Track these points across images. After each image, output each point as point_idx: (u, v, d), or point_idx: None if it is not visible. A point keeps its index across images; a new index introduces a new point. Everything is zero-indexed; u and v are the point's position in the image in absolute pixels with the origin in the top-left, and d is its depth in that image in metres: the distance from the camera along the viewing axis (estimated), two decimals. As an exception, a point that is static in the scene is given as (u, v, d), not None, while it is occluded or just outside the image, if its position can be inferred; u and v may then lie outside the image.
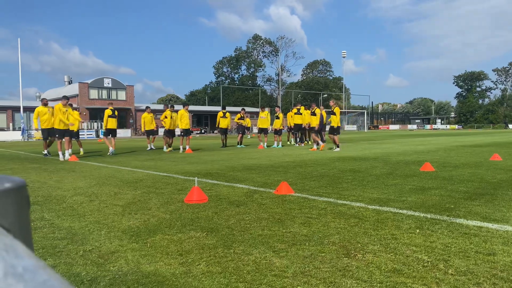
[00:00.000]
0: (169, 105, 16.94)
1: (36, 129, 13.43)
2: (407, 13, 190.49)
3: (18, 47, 35.58)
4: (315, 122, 16.35)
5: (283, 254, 3.12)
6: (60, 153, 12.09)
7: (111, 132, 14.70)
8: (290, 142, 20.55)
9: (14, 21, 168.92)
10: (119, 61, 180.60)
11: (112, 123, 14.70)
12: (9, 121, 42.10)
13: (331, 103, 15.23)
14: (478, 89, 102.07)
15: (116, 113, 14.85)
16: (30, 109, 41.44)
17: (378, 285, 2.51)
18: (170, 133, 16.27)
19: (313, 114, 16.66)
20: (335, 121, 14.62)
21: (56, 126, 12.29)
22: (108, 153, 14.13)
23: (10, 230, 0.37)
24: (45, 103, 13.05)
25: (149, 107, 17.96)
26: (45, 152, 13.57)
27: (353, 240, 3.44)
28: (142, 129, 17.64)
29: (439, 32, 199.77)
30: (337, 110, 14.58)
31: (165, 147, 16.05)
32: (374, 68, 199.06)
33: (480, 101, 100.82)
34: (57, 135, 12.34)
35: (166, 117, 16.28)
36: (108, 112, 14.57)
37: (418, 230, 3.72)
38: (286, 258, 3.03)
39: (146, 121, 17.28)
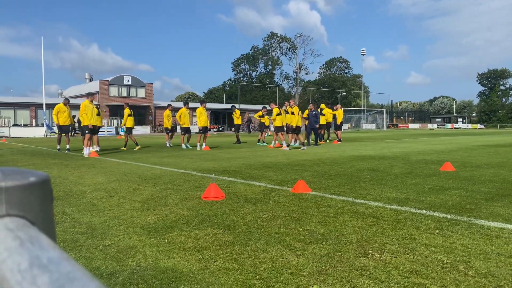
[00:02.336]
0: (184, 103, 17.11)
1: (57, 125, 14.36)
2: (429, 10, 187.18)
3: (40, 44, 36.43)
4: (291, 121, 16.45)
5: (299, 252, 3.11)
6: (86, 148, 12.37)
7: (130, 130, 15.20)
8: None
9: (36, 18, 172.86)
10: (138, 57, 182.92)
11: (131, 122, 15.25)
12: (32, 118, 43.13)
13: (291, 102, 15.38)
14: (502, 87, 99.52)
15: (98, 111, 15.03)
16: (52, 106, 42.23)
17: (395, 286, 2.48)
18: (186, 130, 16.48)
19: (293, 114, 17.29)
20: (294, 120, 14.77)
21: (85, 123, 12.62)
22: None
23: (35, 223, 0.38)
24: (65, 103, 13.84)
25: (171, 105, 18.01)
26: (58, 147, 14.28)
27: (371, 240, 3.41)
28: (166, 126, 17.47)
29: (462, 29, 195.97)
30: (295, 109, 14.82)
31: (183, 145, 16.24)
32: (396, 65, 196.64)
33: (504, 100, 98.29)
34: (86, 131, 12.66)
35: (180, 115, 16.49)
36: (127, 111, 15.04)
37: (437, 231, 3.66)
38: (303, 256, 3.02)
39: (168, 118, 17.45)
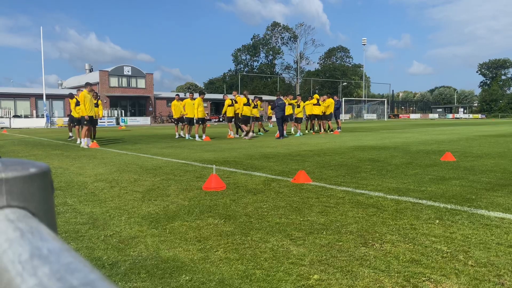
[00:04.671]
0: (188, 93, 16.99)
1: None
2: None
3: (39, 35, 36.29)
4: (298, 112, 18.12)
5: (300, 242, 3.13)
6: (83, 140, 12.36)
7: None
8: (309, 131, 20.51)
9: (33, 8, 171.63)
10: (137, 47, 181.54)
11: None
12: (32, 108, 43.07)
13: (234, 93, 16.80)
14: (503, 77, 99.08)
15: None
16: (52, 97, 42.29)
17: (395, 275, 2.50)
18: (189, 121, 16.36)
19: (298, 106, 18.10)
20: (237, 109, 16.18)
21: (84, 114, 12.58)
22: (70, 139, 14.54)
23: (35, 214, 0.38)
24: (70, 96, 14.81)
25: (178, 95, 17.72)
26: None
27: (371, 230, 3.42)
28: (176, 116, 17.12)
29: (465, 18, 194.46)
30: (242, 100, 15.83)
31: (187, 135, 16.15)
32: (399, 54, 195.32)
33: (505, 89, 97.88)
34: (85, 122, 12.61)
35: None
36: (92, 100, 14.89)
37: (437, 221, 3.67)
38: (303, 246, 3.04)
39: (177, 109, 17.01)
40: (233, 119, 16.75)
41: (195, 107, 15.46)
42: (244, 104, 15.82)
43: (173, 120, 17.35)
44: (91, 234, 3.41)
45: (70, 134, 15.10)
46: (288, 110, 18.07)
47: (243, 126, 16.08)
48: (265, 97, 55.36)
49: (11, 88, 47.61)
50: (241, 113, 15.97)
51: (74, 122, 14.75)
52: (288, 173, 6.49)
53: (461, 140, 13.81)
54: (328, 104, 19.85)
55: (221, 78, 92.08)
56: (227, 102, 16.65)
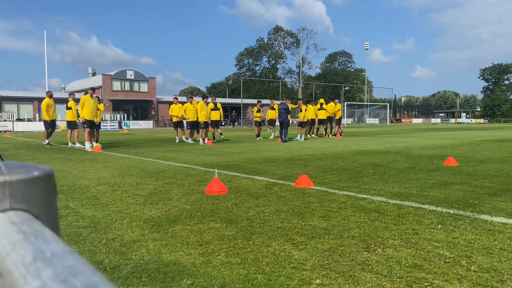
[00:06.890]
0: (187, 97, 16.98)
1: (44, 120, 14.51)
2: (435, 2, 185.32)
3: (41, 38, 36.44)
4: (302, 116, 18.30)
5: (302, 246, 3.12)
6: (87, 143, 12.41)
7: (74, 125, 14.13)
8: (311, 135, 20.51)
9: (35, 11, 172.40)
10: (139, 50, 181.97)
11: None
12: (35, 112, 43.20)
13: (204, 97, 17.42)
14: (506, 82, 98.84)
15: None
16: (55, 100, 42.42)
17: (398, 280, 2.49)
18: (192, 125, 16.34)
19: (300, 110, 18.15)
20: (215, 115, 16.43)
21: (86, 117, 12.63)
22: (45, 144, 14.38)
23: (38, 216, 0.38)
24: (50, 95, 14.31)
25: (177, 98, 17.65)
26: (46, 141, 14.35)
27: (373, 234, 3.41)
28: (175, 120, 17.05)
29: (468, 22, 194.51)
30: (210, 105, 16.26)
31: (189, 139, 16.12)
32: (402, 58, 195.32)
33: (508, 94, 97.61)
34: (85, 125, 12.68)
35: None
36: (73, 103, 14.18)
37: (440, 226, 3.66)
38: (305, 250, 3.03)
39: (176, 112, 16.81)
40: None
41: (198, 111, 15.48)
42: (212, 109, 16.17)
43: (173, 124, 17.32)
44: (93, 237, 3.41)
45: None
46: (311, 115, 18.29)
47: (211, 129, 16.44)
48: (265, 101, 55.39)
49: (14, 91, 47.78)
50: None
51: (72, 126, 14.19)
52: (290, 177, 6.49)
53: (464, 145, 13.78)
54: (339, 108, 19.89)
55: (224, 81, 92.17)
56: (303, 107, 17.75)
